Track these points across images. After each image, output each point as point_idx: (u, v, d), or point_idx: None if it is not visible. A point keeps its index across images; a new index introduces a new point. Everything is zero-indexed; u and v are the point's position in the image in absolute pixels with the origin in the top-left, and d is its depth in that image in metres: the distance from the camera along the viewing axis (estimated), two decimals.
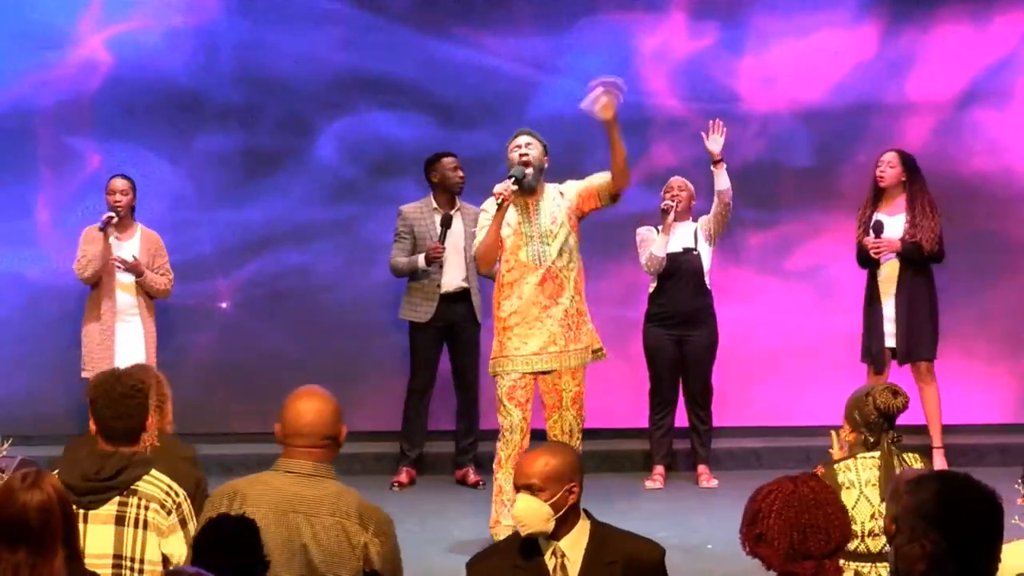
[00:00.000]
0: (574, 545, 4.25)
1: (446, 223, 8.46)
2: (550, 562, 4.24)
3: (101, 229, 8.36)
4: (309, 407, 4.21)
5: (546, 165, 7.05)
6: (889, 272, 8.43)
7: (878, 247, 8.35)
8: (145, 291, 8.48)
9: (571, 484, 4.28)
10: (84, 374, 8.33)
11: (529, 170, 6.93)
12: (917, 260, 8.37)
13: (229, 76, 9.42)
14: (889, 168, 8.42)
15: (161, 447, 5.27)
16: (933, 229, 8.36)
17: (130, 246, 8.48)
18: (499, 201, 6.86)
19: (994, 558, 3.26)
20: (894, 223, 8.42)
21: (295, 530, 4.05)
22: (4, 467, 5.71)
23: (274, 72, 9.42)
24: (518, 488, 4.25)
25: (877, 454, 5.00)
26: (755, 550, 3.73)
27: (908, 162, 8.46)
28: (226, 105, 9.42)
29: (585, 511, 4.33)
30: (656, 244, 8.44)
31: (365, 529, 4.07)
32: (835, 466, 5.04)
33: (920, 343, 8.44)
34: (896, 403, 5.06)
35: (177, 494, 4.44)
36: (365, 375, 9.41)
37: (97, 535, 4.34)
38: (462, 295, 8.60)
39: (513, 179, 6.88)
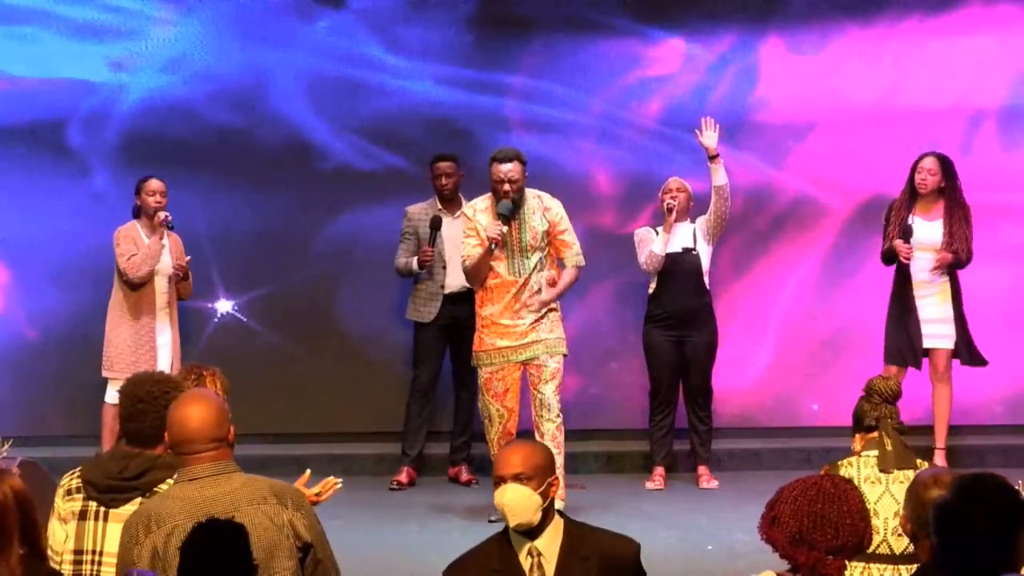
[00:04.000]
0: (550, 543, 4.23)
1: (435, 226, 8.54)
2: (526, 562, 4.21)
3: (171, 228, 8.41)
4: (192, 414, 4.06)
5: (525, 181, 7.52)
6: (932, 276, 8.39)
7: (909, 253, 8.32)
8: (179, 293, 8.54)
9: (553, 476, 4.29)
10: (106, 374, 8.32)
11: (512, 203, 7.46)
12: (957, 267, 8.41)
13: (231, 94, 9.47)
14: (930, 176, 8.37)
15: None
16: (968, 238, 8.36)
17: (164, 249, 8.50)
18: (491, 247, 7.42)
19: (1010, 556, 3.25)
20: (930, 228, 8.39)
21: None
22: (4, 468, 5.71)
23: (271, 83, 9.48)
24: (503, 479, 4.23)
25: (875, 452, 5.06)
26: (768, 533, 3.77)
27: (947, 167, 8.42)
28: (224, 111, 9.45)
29: (558, 511, 4.32)
30: (656, 242, 8.45)
31: (285, 507, 4.01)
32: (838, 463, 5.10)
33: (973, 344, 8.47)
34: (889, 384, 5.19)
35: None
36: (366, 377, 9.40)
37: (116, 534, 4.32)
38: (467, 295, 8.62)
39: (502, 218, 7.42)
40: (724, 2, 9.52)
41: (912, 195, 8.44)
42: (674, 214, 8.41)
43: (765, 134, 9.51)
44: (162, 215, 8.39)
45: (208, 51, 9.43)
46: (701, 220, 8.53)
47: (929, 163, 8.40)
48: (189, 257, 8.55)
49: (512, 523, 4.21)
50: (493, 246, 7.41)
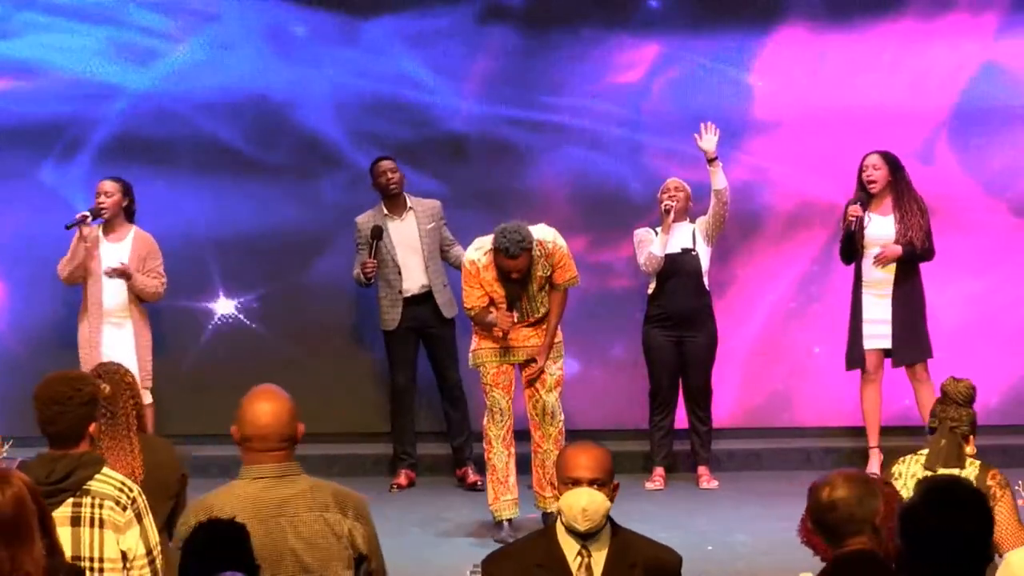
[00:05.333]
0: (600, 547, 4.28)
1: (376, 236, 8.54)
2: (574, 562, 4.26)
3: (68, 227, 8.32)
4: (266, 409, 4.12)
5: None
6: (882, 273, 8.44)
7: (856, 211, 8.36)
8: (136, 294, 8.40)
9: (616, 482, 4.37)
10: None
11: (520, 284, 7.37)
12: (912, 260, 8.41)
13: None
14: (875, 171, 8.46)
15: (145, 447, 5.30)
16: (922, 227, 8.41)
17: (120, 248, 8.41)
18: (504, 335, 7.35)
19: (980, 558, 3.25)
20: (883, 223, 8.45)
21: (280, 535, 4.01)
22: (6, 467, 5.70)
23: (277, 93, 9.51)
24: (577, 482, 4.26)
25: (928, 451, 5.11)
26: (809, 536, 3.75)
27: (892, 162, 8.50)
28: (234, 113, 9.46)
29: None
30: (655, 244, 8.45)
31: (345, 516, 4.06)
32: (900, 459, 5.14)
33: (919, 344, 8.47)
34: (959, 387, 5.21)
35: (131, 489, 4.44)
36: (364, 376, 9.41)
37: None
38: (425, 296, 8.65)
39: (514, 310, 7.35)
40: (719, 5, 9.55)
41: (863, 193, 8.49)
42: (672, 215, 8.41)
43: (758, 135, 9.52)
44: (78, 215, 8.32)
45: (219, 59, 9.46)
46: (701, 220, 8.52)
47: (874, 160, 8.49)
48: (123, 263, 8.33)
49: (585, 527, 4.25)
50: (504, 335, 7.38)
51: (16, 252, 9.39)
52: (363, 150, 9.42)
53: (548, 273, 7.39)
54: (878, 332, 8.47)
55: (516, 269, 7.23)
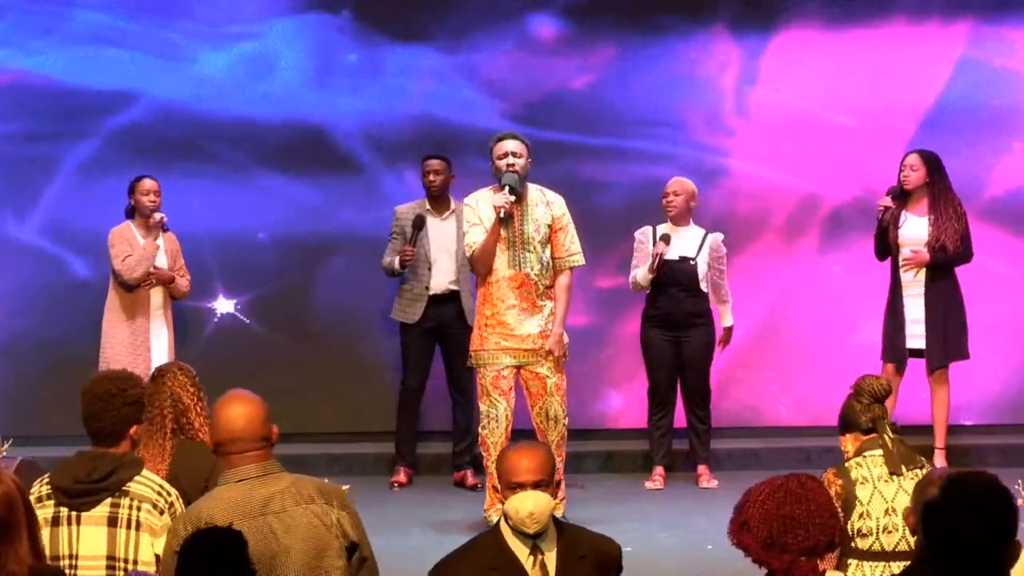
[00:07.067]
0: (549, 545, 4.30)
1: (417, 225, 8.51)
2: (527, 561, 4.27)
3: (165, 230, 8.35)
4: (239, 412, 4.10)
5: (529, 167, 7.34)
6: (915, 273, 8.40)
7: (887, 201, 8.34)
8: (171, 293, 8.46)
9: (558, 479, 4.36)
10: None
11: (518, 178, 7.26)
12: (946, 265, 8.35)
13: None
14: (912, 171, 8.39)
15: (186, 452, 5.27)
16: (957, 230, 8.31)
17: (160, 250, 8.46)
18: (501, 215, 7.18)
19: (999, 557, 3.24)
20: (918, 224, 8.39)
21: (269, 535, 3.99)
22: (4, 467, 5.70)
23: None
24: (520, 485, 4.27)
25: (879, 452, 5.02)
26: (739, 538, 3.73)
27: (931, 162, 8.41)
28: (234, 109, 9.48)
29: None
30: (642, 272, 8.37)
31: (332, 506, 4.07)
32: (847, 464, 5.05)
33: (955, 346, 8.42)
34: (880, 383, 5.12)
35: (169, 493, 4.46)
36: (364, 376, 9.42)
37: (90, 537, 4.35)
38: (451, 296, 8.62)
39: (509, 188, 7.21)
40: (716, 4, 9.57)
41: (902, 192, 8.46)
42: (658, 259, 8.30)
43: (755, 137, 9.53)
44: (158, 216, 8.31)
45: (253, 75, 9.51)
46: (712, 242, 8.45)
47: (912, 160, 8.43)
48: (163, 267, 8.38)
49: (533, 529, 4.27)
50: (503, 214, 7.19)
51: (15, 253, 9.39)
52: (381, 160, 9.47)
53: (547, 221, 7.33)
54: (917, 333, 8.40)
55: (511, 151, 7.24)
